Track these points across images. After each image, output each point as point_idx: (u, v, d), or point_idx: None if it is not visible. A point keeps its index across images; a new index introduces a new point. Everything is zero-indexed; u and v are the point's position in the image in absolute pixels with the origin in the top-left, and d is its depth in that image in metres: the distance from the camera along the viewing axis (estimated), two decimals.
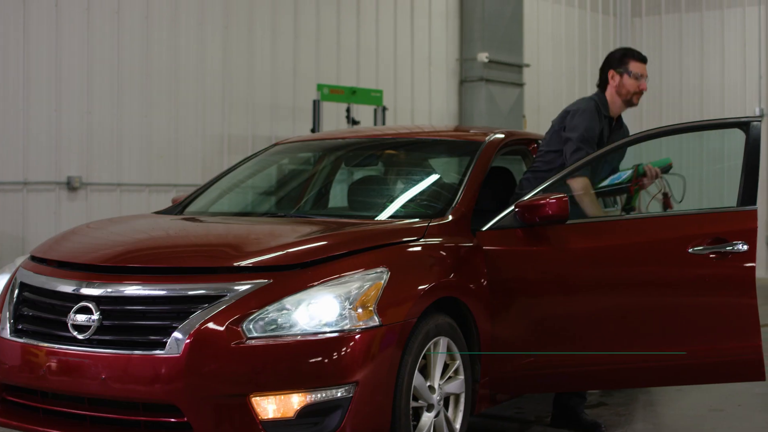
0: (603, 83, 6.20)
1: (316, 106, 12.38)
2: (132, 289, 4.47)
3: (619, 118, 6.25)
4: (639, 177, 5.89)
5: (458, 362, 4.95)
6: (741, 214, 5.31)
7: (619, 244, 5.45)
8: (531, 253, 5.39)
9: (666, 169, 5.98)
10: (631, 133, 6.12)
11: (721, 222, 5.38)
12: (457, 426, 4.97)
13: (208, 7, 11.84)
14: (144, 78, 11.15)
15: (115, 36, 10.89)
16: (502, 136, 6.16)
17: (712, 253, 5.27)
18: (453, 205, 5.41)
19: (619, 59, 6.13)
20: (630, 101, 6.11)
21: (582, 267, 5.43)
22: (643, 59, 6.16)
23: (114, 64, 10.87)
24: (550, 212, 5.21)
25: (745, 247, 5.23)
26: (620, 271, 5.44)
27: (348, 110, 12.84)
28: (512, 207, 5.36)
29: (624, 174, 5.98)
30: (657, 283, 5.42)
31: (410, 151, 6.54)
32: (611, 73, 6.13)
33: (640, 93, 6.12)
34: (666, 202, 6.05)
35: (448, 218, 5.28)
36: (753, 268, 5.22)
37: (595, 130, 5.95)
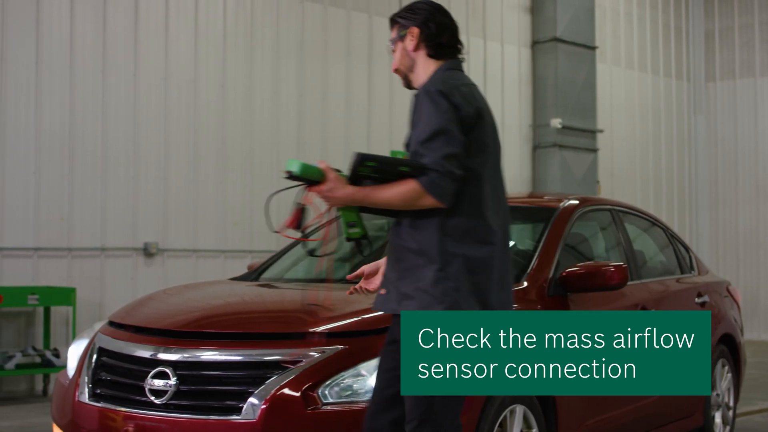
0: None
1: None
2: (208, 355, 4.50)
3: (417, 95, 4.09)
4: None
5: (534, 430, 4.90)
6: None
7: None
8: None
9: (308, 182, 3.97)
10: None
11: None
12: None
13: (282, 77, 11.99)
14: (220, 145, 11.30)
15: (191, 104, 11.08)
16: (577, 202, 6.13)
17: None
18: (527, 271, 5.39)
19: None
20: None
21: None
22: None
23: (190, 131, 11.05)
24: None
25: None
26: None
27: None
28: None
29: None
30: None
31: None
32: None
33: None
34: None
35: (523, 284, 5.25)
36: None
37: None
